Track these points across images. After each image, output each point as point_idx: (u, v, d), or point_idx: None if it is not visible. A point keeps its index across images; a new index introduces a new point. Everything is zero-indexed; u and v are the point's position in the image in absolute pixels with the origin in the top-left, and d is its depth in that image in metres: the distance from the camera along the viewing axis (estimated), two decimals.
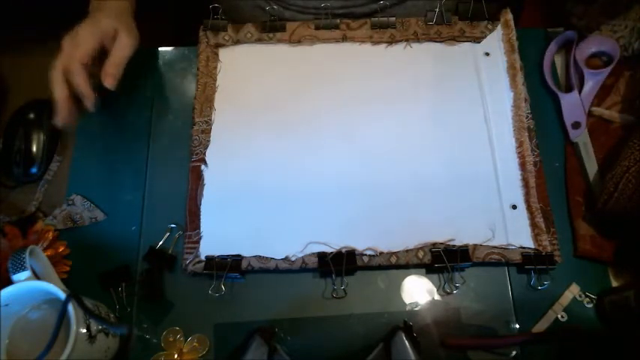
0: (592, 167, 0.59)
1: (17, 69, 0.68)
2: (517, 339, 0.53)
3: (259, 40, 0.66)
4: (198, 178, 0.59)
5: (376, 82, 0.64)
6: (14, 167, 0.61)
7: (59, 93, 0.53)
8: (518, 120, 0.61)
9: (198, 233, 0.57)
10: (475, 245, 0.55)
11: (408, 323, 0.53)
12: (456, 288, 0.55)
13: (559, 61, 0.66)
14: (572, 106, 0.62)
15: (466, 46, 0.66)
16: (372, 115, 0.62)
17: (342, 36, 0.66)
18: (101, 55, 0.56)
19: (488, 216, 0.57)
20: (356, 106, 0.63)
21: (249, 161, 0.60)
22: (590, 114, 0.62)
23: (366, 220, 0.57)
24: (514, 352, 0.53)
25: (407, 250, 0.55)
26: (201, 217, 0.58)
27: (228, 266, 0.55)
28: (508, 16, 0.66)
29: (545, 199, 0.58)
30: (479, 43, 0.66)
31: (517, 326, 0.54)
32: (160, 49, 0.69)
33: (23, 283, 0.47)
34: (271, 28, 0.66)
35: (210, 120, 0.62)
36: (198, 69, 0.65)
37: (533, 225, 0.56)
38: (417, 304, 0.55)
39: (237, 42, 0.67)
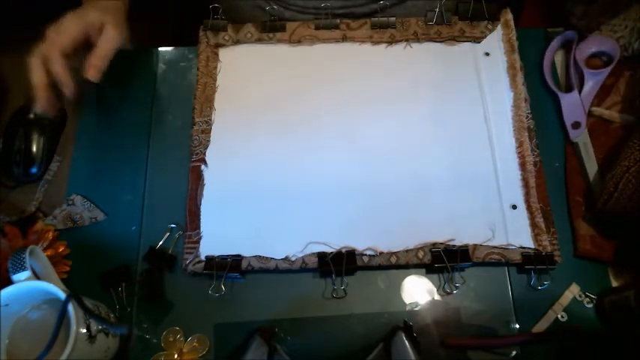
0: (592, 167, 0.59)
1: (17, 69, 0.68)
2: (517, 339, 0.53)
3: (259, 40, 0.66)
4: (198, 178, 0.59)
5: (376, 82, 0.64)
6: (14, 167, 0.61)
7: (36, 80, 0.53)
8: (518, 120, 0.61)
9: (198, 233, 0.57)
10: (475, 245, 0.55)
11: (408, 323, 0.53)
12: (456, 288, 0.55)
13: (559, 61, 0.66)
14: (572, 106, 0.62)
15: (466, 46, 0.66)
16: (372, 115, 0.62)
17: (342, 36, 0.66)
18: (89, 49, 0.55)
19: (488, 216, 0.57)
20: (356, 106, 0.63)
21: (249, 161, 0.60)
22: (590, 114, 0.62)
23: (366, 220, 0.57)
24: (514, 352, 0.53)
25: (407, 250, 0.55)
26: (201, 217, 0.58)
27: (228, 266, 0.55)
28: (508, 16, 0.66)
29: (545, 199, 0.58)
30: (479, 43, 0.66)
31: (517, 326, 0.54)
32: (160, 49, 0.69)
33: (23, 283, 0.47)
34: (271, 28, 0.66)
35: (210, 120, 0.62)
36: (198, 69, 0.65)
37: (533, 225, 0.56)
38: (417, 304, 0.55)
39: (237, 42, 0.67)
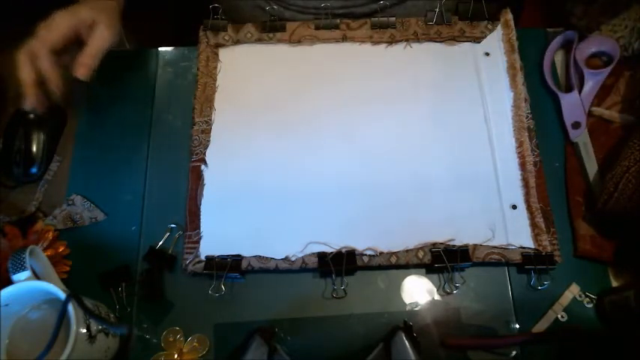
0: (592, 167, 0.59)
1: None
2: (517, 339, 0.53)
3: (259, 40, 0.66)
4: (198, 178, 0.59)
5: (376, 82, 0.64)
6: (14, 167, 0.61)
7: (24, 76, 0.53)
8: (518, 120, 0.61)
9: (198, 233, 0.57)
10: (475, 245, 0.55)
11: (408, 323, 0.53)
12: (456, 288, 0.55)
13: (559, 61, 0.66)
14: (572, 106, 0.62)
15: (466, 46, 0.66)
16: (372, 115, 0.62)
17: (342, 36, 0.66)
18: (80, 47, 0.55)
19: (488, 216, 0.57)
20: (356, 106, 0.63)
21: (249, 161, 0.60)
22: (590, 114, 0.62)
23: (366, 220, 0.57)
24: (514, 352, 0.53)
25: (407, 250, 0.55)
26: (201, 217, 0.58)
27: (228, 266, 0.55)
28: (508, 16, 0.66)
29: (545, 199, 0.58)
30: (479, 43, 0.66)
31: (517, 326, 0.54)
32: (160, 49, 0.69)
33: (23, 283, 0.47)
34: (271, 28, 0.66)
35: (210, 120, 0.62)
36: (198, 69, 0.65)
37: (533, 225, 0.56)
38: (417, 304, 0.55)
39: (237, 42, 0.67)
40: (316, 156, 0.60)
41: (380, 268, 0.56)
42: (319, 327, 0.54)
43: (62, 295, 0.46)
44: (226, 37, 0.67)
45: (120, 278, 0.56)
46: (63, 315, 0.45)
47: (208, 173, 0.60)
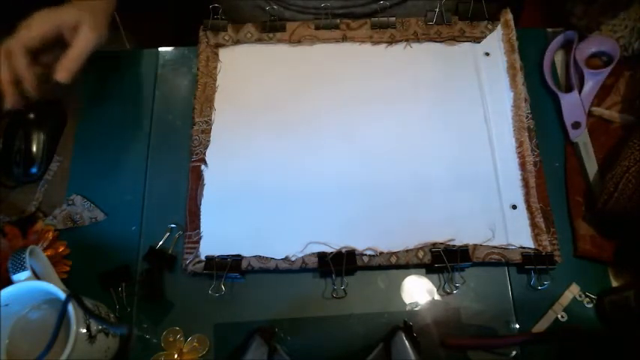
0: (592, 167, 0.59)
1: None
2: (517, 339, 0.53)
3: (259, 40, 0.66)
4: (198, 178, 0.59)
5: (376, 82, 0.64)
6: (14, 167, 0.61)
7: (1, 75, 0.52)
8: (518, 120, 0.61)
9: (198, 233, 0.57)
10: (475, 245, 0.55)
11: (408, 323, 0.53)
12: (456, 288, 0.55)
13: (559, 61, 0.66)
14: (572, 106, 0.62)
15: (466, 46, 0.66)
16: (372, 115, 0.62)
17: (342, 36, 0.66)
18: (64, 49, 0.54)
19: (488, 216, 0.57)
20: (356, 106, 0.63)
21: (249, 161, 0.60)
22: (590, 114, 0.62)
23: (366, 220, 0.57)
24: (514, 352, 0.53)
25: (407, 250, 0.55)
26: (201, 217, 0.58)
27: (228, 266, 0.55)
28: (508, 16, 0.66)
29: (545, 199, 0.58)
30: (479, 43, 0.66)
31: (517, 326, 0.54)
32: (160, 49, 0.69)
33: (23, 283, 0.47)
34: (271, 28, 0.66)
35: (210, 120, 0.62)
36: (198, 69, 0.65)
37: (533, 225, 0.56)
38: (417, 304, 0.55)
39: (237, 42, 0.67)
40: (316, 156, 0.60)
41: (380, 268, 0.56)
42: (319, 327, 0.54)
43: (62, 295, 0.46)
44: (226, 37, 0.67)
45: (120, 278, 0.56)
46: (63, 315, 0.45)
47: (208, 173, 0.60)
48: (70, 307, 0.45)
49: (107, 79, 0.67)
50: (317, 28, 0.67)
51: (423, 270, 0.56)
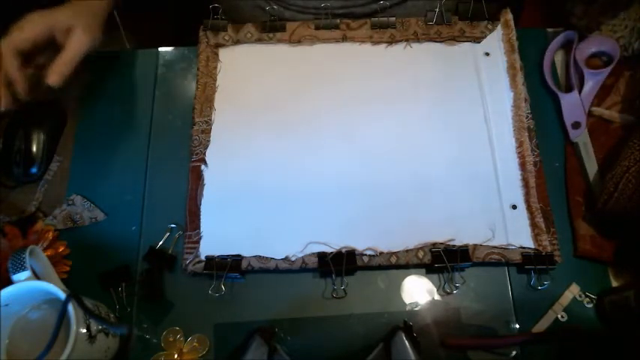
0: (592, 167, 0.59)
1: None
2: (517, 339, 0.53)
3: (259, 40, 0.66)
4: (198, 178, 0.59)
5: (376, 82, 0.64)
6: (14, 167, 0.61)
7: None
8: (518, 120, 0.61)
9: (198, 233, 0.57)
10: (475, 245, 0.55)
11: (408, 323, 0.53)
12: (456, 288, 0.55)
13: (559, 61, 0.66)
14: (572, 106, 0.62)
15: (466, 46, 0.66)
16: (372, 115, 0.62)
17: (342, 36, 0.66)
18: (57, 52, 0.54)
19: (488, 216, 0.57)
20: (356, 106, 0.63)
21: (249, 161, 0.60)
22: (590, 114, 0.62)
23: (366, 220, 0.57)
24: (514, 352, 0.53)
25: (407, 250, 0.55)
26: (201, 217, 0.58)
27: (228, 266, 0.55)
28: (508, 16, 0.66)
29: (545, 199, 0.58)
30: (479, 43, 0.66)
31: (517, 326, 0.54)
32: (160, 49, 0.69)
33: (23, 283, 0.47)
34: (271, 28, 0.66)
35: (210, 120, 0.62)
36: (198, 69, 0.65)
37: (533, 225, 0.56)
38: (417, 304, 0.55)
39: (237, 42, 0.67)
40: (316, 156, 0.60)
41: (380, 268, 0.56)
42: (319, 327, 0.54)
43: (62, 295, 0.46)
44: (226, 37, 0.67)
45: (120, 278, 0.56)
46: (63, 315, 0.45)
47: (208, 173, 0.60)
48: (70, 307, 0.45)
49: (107, 79, 0.67)
50: (317, 28, 0.67)
51: (423, 270, 0.56)
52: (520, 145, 0.60)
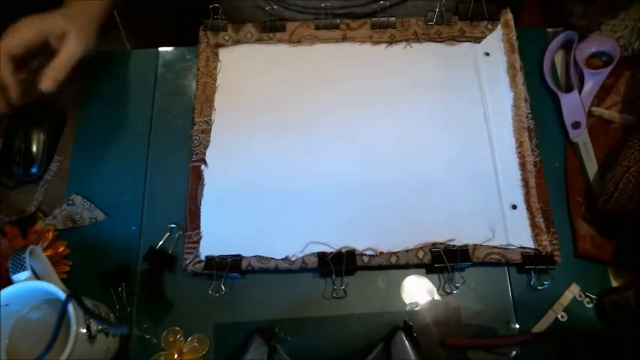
0: (592, 167, 0.59)
1: None
2: (517, 339, 0.53)
3: (259, 40, 0.66)
4: (198, 178, 0.59)
5: (376, 82, 0.64)
6: (14, 167, 0.61)
7: None
8: (518, 120, 0.61)
9: (198, 233, 0.57)
10: (475, 245, 0.55)
11: (408, 323, 0.53)
12: (456, 288, 0.55)
13: (559, 61, 0.66)
14: (572, 106, 0.62)
15: (466, 46, 0.66)
16: (372, 115, 0.62)
17: (342, 36, 0.66)
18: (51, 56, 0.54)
19: (488, 216, 0.57)
20: (356, 106, 0.63)
21: (249, 161, 0.60)
22: (590, 114, 0.62)
23: (366, 220, 0.57)
24: (514, 352, 0.53)
25: (407, 250, 0.55)
26: (201, 217, 0.58)
27: (228, 266, 0.55)
28: (508, 16, 0.66)
29: (545, 199, 0.58)
30: (479, 43, 0.66)
31: (517, 326, 0.54)
32: (160, 49, 0.69)
33: (23, 283, 0.47)
34: (271, 28, 0.66)
35: (210, 120, 0.62)
36: (198, 69, 0.65)
37: (533, 225, 0.56)
38: (417, 304, 0.55)
39: (237, 42, 0.67)
40: (316, 156, 0.60)
41: (380, 268, 0.56)
42: (319, 327, 0.54)
43: (62, 295, 0.46)
44: (226, 37, 0.67)
45: (120, 278, 0.56)
46: (63, 315, 0.45)
47: (208, 173, 0.60)
48: (70, 307, 0.45)
49: (107, 79, 0.67)
50: (317, 28, 0.67)
51: (423, 270, 0.56)
52: (520, 145, 0.60)
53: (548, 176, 0.59)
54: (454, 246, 0.55)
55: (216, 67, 0.65)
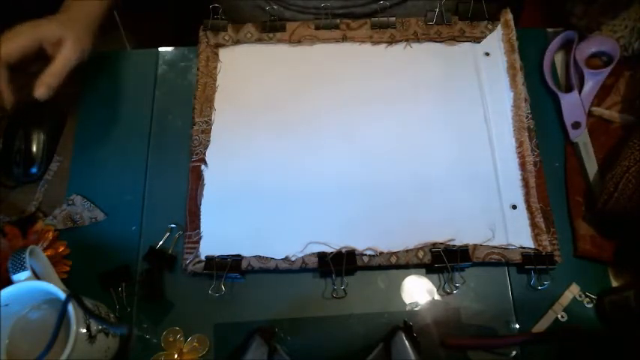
0: (592, 167, 0.59)
1: None
2: (517, 339, 0.53)
3: (259, 40, 0.66)
4: (198, 178, 0.59)
5: (376, 82, 0.64)
6: (14, 167, 0.61)
7: None
8: (518, 120, 0.61)
9: (198, 233, 0.57)
10: (475, 245, 0.55)
11: (408, 323, 0.53)
12: (456, 288, 0.55)
13: (559, 61, 0.66)
14: (572, 106, 0.62)
15: (466, 46, 0.66)
16: (372, 115, 0.62)
17: (342, 36, 0.66)
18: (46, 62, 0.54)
19: (488, 216, 0.57)
20: (356, 106, 0.63)
21: (249, 161, 0.60)
22: (590, 114, 0.62)
23: (366, 220, 0.57)
24: (514, 352, 0.53)
25: (407, 250, 0.55)
26: (201, 217, 0.58)
27: (228, 266, 0.55)
28: (508, 16, 0.66)
29: (545, 199, 0.58)
30: (479, 43, 0.66)
31: (517, 326, 0.54)
32: (160, 49, 0.69)
33: (23, 283, 0.47)
34: (271, 28, 0.66)
35: (210, 120, 0.62)
36: (198, 69, 0.65)
37: (533, 225, 0.56)
38: (417, 304, 0.55)
39: (237, 42, 0.67)
40: (316, 156, 0.60)
41: (380, 268, 0.56)
42: (319, 327, 0.54)
43: (62, 295, 0.46)
44: (226, 37, 0.67)
45: (120, 278, 0.56)
46: (63, 315, 0.45)
47: (208, 173, 0.60)
48: (70, 307, 0.45)
49: (107, 79, 0.67)
50: (317, 28, 0.67)
51: (423, 270, 0.56)
52: (520, 145, 0.60)
53: (548, 176, 0.59)
54: (454, 246, 0.55)
55: (216, 67, 0.65)
